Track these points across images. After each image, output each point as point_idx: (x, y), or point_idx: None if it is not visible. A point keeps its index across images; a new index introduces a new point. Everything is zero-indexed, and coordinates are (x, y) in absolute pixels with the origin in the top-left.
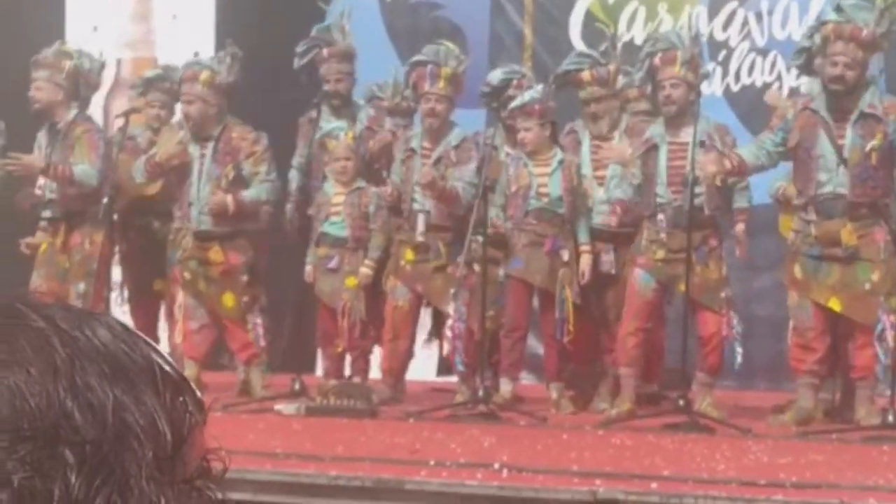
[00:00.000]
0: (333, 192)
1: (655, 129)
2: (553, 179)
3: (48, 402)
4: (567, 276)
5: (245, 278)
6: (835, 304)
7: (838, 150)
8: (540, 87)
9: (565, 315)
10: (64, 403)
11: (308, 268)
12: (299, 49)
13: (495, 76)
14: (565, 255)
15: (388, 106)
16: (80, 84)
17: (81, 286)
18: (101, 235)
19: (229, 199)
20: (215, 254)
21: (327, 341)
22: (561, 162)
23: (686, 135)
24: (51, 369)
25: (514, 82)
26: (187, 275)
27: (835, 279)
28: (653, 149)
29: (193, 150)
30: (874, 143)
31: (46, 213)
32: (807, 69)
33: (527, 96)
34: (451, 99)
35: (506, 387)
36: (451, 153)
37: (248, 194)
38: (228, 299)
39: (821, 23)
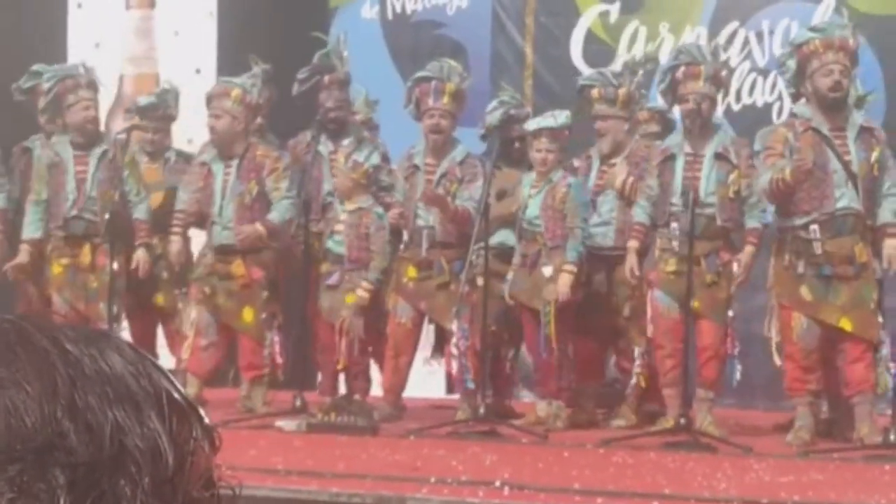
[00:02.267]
0: (341, 210)
1: (673, 140)
2: (536, 199)
3: (44, 421)
4: (551, 292)
5: (265, 294)
6: (846, 324)
7: (845, 165)
8: (568, 112)
9: (547, 332)
10: (60, 424)
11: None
12: (301, 76)
13: (494, 117)
14: (547, 272)
15: (361, 120)
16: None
17: (114, 306)
18: (125, 255)
19: (258, 226)
20: (237, 267)
21: (325, 357)
22: (549, 181)
23: (704, 147)
24: (50, 389)
25: (513, 112)
26: (207, 290)
27: (844, 299)
28: (670, 159)
29: (217, 167)
30: (875, 154)
31: (62, 230)
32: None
33: (560, 119)
34: (454, 115)
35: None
36: (456, 169)
37: (275, 216)
38: (248, 314)
39: (797, 45)
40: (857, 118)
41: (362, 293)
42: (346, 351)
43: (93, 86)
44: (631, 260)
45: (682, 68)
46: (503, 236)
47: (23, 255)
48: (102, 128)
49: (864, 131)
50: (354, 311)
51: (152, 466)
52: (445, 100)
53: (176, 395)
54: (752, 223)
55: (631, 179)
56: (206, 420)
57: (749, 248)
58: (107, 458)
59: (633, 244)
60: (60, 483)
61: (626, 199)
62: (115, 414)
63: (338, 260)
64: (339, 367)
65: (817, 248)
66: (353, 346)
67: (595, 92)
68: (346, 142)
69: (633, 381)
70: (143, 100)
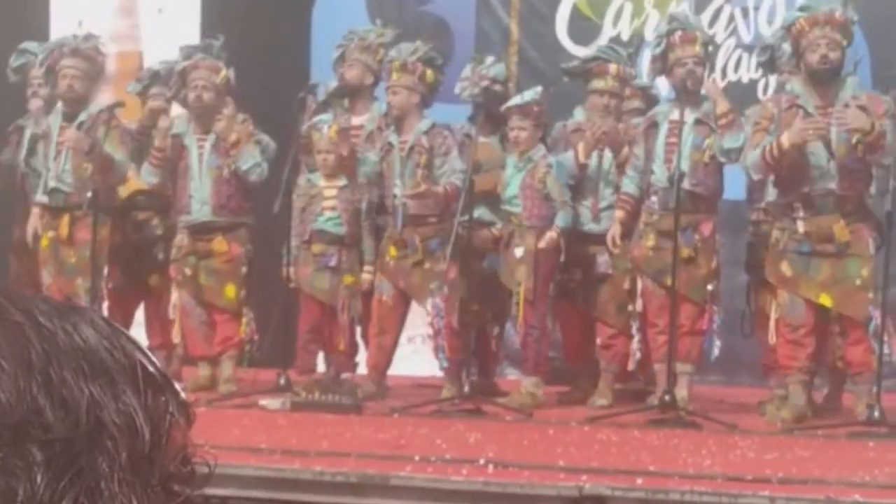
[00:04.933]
0: (323, 185)
1: (659, 108)
2: (516, 178)
3: (19, 397)
4: (521, 273)
5: (245, 270)
6: (826, 300)
7: (827, 144)
8: (539, 88)
9: (516, 313)
10: (36, 399)
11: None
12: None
13: (498, 71)
14: (518, 253)
15: (372, 45)
16: (103, 77)
17: (89, 282)
18: (106, 230)
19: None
20: (219, 244)
21: (312, 337)
22: (530, 160)
23: (686, 115)
24: (25, 364)
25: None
26: (188, 270)
27: (825, 275)
28: (653, 126)
29: (190, 141)
30: (859, 135)
31: (46, 202)
32: (770, 67)
33: (527, 96)
34: (410, 88)
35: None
36: (423, 139)
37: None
38: (230, 290)
39: (787, 27)
40: (846, 95)
41: (367, 276)
42: (349, 331)
43: (79, 53)
44: (614, 229)
45: (679, 33)
46: (480, 212)
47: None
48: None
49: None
50: (352, 293)
51: (129, 442)
52: (395, 76)
53: (150, 369)
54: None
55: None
56: (182, 394)
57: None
58: (83, 435)
59: (618, 214)
60: (37, 460)
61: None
62: (91, 389)
63: (333, 240)
64: (341, 347)
65: (801, 227)
66: (354, 326)
67: (614, 68)
68: (325, 116)
69: (637, 357)
70: (158, 64)
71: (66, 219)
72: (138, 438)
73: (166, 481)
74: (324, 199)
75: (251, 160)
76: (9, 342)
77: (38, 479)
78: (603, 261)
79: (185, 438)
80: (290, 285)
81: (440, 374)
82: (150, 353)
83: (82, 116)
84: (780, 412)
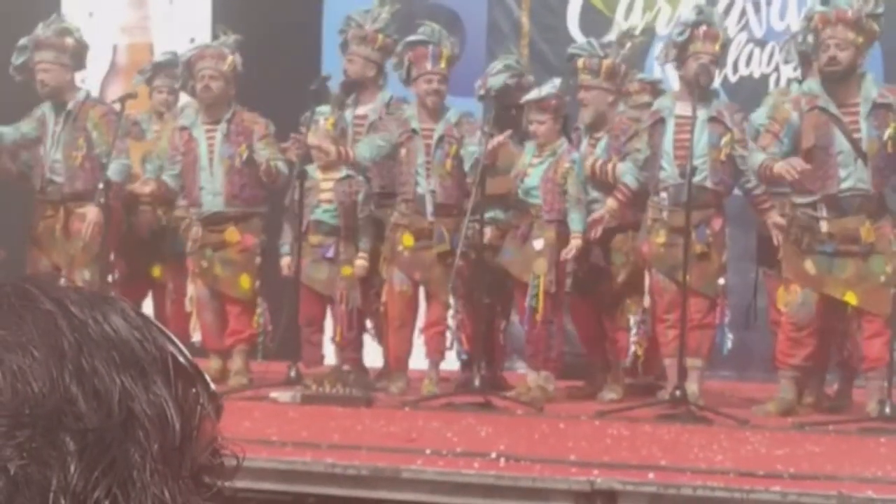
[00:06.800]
0: (320, 178)
1: (663, 102)
2: (537, 170)
3: (52, 386)
4: (540, 266)
5: (258, 260)
6: (851, 298)
7: (854, 144)
8: (558, 81)
9: (534, 304)
10: (68, 389)
11: (284, 253)
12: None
13: (498, 80)
14: (538, 245)
15: (369, 35)
16: (84, 58)
17: (87, 273)
18: (100, 221)
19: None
20: (231, 234)
21: (312, 329)
22: (553, 154)
23: (698, 110)
24: (57, 353)
25: (516, 80)
26: (204, 263)
27: (850, 273)
28: (659, 122)
29: (198, 133)
30: (889, 131)
31: (44, 197)
32: (806, 59)
33: (544, 91)
34: (448, 79)
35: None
36: (453, 130)
37: (276, 164)
38: (245, 281)
39: (808, 19)
40: (872, 93)
41: (361, 262)
42: (346, 322)
43: (44, 45)
44: (600, 212)
45: (704, 27)
46: (494, 213)
47: None
48: (96, 93)
49: (879, 107)
50: (351, 283)
51: (160, 433)
52: (443, 64)
53: (182, 360)
54: (759, 189)
55: (599, 162)
56: (212, 386)
57: (775, 218)
58: (116, 425)
59: (610, 202)
60: (70, 450)
61: (598, 182)
62: (122, 379)
63: (331, 231)
64: (337, 338)
65: (823, 227)
66: (353, 317)
67: (581, 62)
68: (323, 108)
69: (632, 350)
70: (160, 56)
71: (62, 210)
72: (169, 429)
73: (197, 473)
74: (320, 192)
75: (281, 157)
76: (40, 331)
77: (72, 468)
78: (597, 252)
79: (215, 430)
80: (284, 274)
81: (450, 366)
82: (181, 345)
83: (70, 105)
84: (767, 405)
